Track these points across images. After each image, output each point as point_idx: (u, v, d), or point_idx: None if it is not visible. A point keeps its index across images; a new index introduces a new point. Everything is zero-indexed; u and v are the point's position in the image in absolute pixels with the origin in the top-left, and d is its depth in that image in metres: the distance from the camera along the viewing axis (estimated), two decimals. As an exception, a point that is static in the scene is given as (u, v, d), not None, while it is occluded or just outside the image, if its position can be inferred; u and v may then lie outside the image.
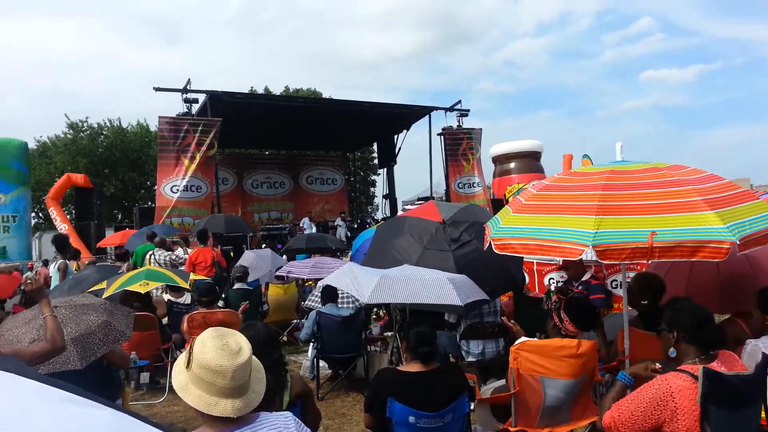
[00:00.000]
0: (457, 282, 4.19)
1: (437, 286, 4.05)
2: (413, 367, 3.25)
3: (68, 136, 31.01)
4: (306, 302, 8.06)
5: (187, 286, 6.85)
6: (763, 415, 2.73)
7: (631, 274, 4.98)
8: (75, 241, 15.14)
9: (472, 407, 3.40)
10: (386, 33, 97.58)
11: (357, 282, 4.24)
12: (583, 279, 5.53)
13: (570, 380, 3.35)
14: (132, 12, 69.95)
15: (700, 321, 2.70)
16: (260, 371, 2.00)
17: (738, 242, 2.82)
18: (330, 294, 6.28)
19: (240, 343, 1.90)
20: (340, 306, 6.43)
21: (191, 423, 5.39)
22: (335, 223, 20.39)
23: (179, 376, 1.88)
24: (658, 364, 2.78)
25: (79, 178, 17.92)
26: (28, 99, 57.93)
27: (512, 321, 4.53)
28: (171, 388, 6.04)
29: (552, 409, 3.40)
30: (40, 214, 31.97)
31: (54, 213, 16.88)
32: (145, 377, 6.43)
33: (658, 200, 3.14)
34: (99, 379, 3.89)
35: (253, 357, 1.96)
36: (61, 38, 65.45)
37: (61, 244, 9.39)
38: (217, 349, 1.83)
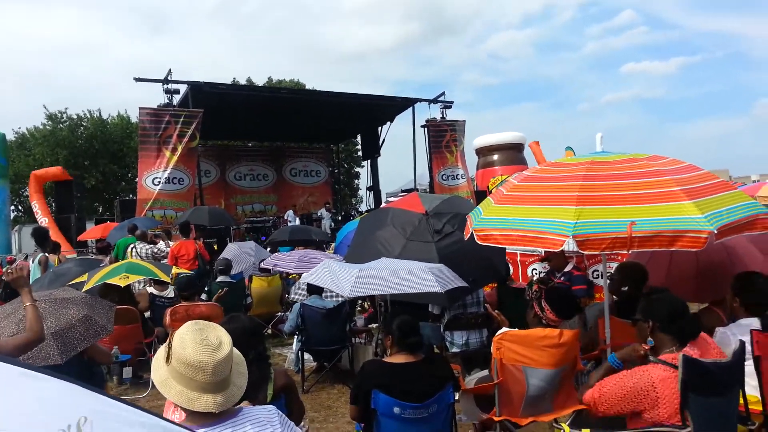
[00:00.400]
0: (436, 270, 4.21)
1: (417, 275, 4.07)
2: (399, 359, 3.25)
3: (47, 127, 30.52)
4: (291, 296, 8.04)
5: (168, 279, 6.80)
6: (741, 401, 2.79)
7: (612, 265, 5.04)
8: (55, 235, 14.92)
9: (456, 397, 3.42)
10: (371, 24, 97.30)
11: (336, 277, 4.23)
12: (566, 270, 5.58)
13: (552, 369, 3.38)
14: (114, 1, 68.86)
15: (674, 311, 2.75)
16: (242, 365, 1.99)
17: (715, 231, 2.86)
18: (315, 286, 6.27)
19: (220, 337, 1.88)
20: (324, 298, 6.43)
21: (175, 416, 5.38)
22: (320, 214, 20.35)
23: (159, 370, 1.86)
24: (645, 345, 2.82)
25: (47, 172, 17.62)
26: (6, 89, 56.84)
27: (496, 311, 4.57)
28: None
29: (535, 399, 3.43)
30: (20, 207, 31.50)
31: (36, 206, 16.61)
32: (127, 372, 6.38)
33: (637, 190, 3.18)
34: (80, 375, 3.85)
35: (235, 350, 1.95)
36: (41, 27, 64.24)
37: (41, 237, 9.24)
38: (196, 343, 1.81)
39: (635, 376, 2.61)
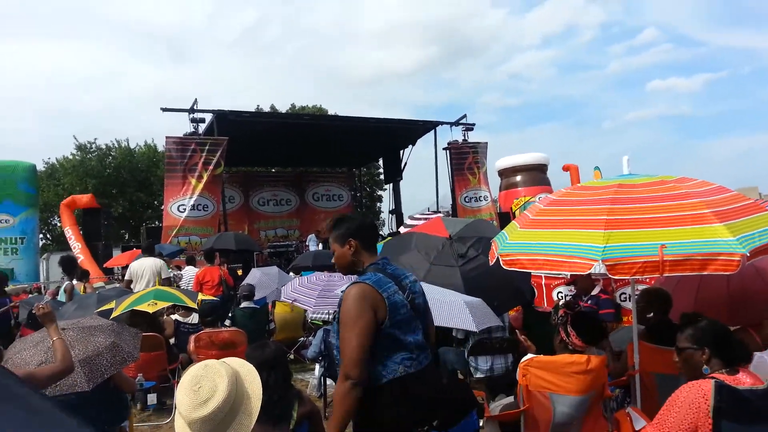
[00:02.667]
0: (473, 306, 4.16)
1: (454, 310, 4.01)
2: None
3: (76, 157, 31.26)
4: (309, 315, 8.00)
5: (194, 305, 6.85)
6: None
7: (640, 287, 4.94)
8: (87, 261, 15.20)
9: (481, 425, 3.35)
10: (390, 49, 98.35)
11: None
12: (593, 293, 5.49)
13: (580, 396, 3.31)
14: (138, 32, 70.88)
15: (725, 336, 2.70)
16: (247, 403, 1.93)
17: (748, 254, 2.80)
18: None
19: (216, 387, 1.83)
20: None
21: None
22: (307, 242, 20.36)
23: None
24: None
25: (82, 198, 17.99)
26: (36, 121, 58.56)
27: (523, 336, 4.50)
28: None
29: (562, 426, 3.35)
30: (48, 236, 32.15)
31: (70, 232, 16.91)
32: (152, 399, 6.40)
33: (667, 213, 3.13)
34: (106, 401, 3.88)
35: (247, 387, 1.94)
36: (68, 59, 66.32)
37: (67, 265, 9.41)
38: (187, 391, 1.82)
39: (684, 391, 2.52)
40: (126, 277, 8.72)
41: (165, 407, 6.31)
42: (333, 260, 2.82)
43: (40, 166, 28.95)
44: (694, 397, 2.46)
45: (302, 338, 8.62)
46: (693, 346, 2.74)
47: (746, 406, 2.46)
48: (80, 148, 31.48)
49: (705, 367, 2.69)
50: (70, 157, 31.51)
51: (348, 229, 2.72)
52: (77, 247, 16.18)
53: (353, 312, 2.43)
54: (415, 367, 2.54)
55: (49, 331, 3.23)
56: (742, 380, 2.54)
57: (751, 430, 2.48)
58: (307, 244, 19.45)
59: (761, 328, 3.76)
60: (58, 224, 26.79)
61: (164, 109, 15.40)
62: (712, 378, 2.54)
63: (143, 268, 8.73)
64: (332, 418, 1.92)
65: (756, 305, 3.96)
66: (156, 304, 6.11)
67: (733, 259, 2.79)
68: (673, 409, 2.50)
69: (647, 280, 5.45)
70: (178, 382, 6.28)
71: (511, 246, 3.57)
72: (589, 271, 3.03)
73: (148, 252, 9.29)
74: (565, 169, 21.57)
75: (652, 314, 4.23)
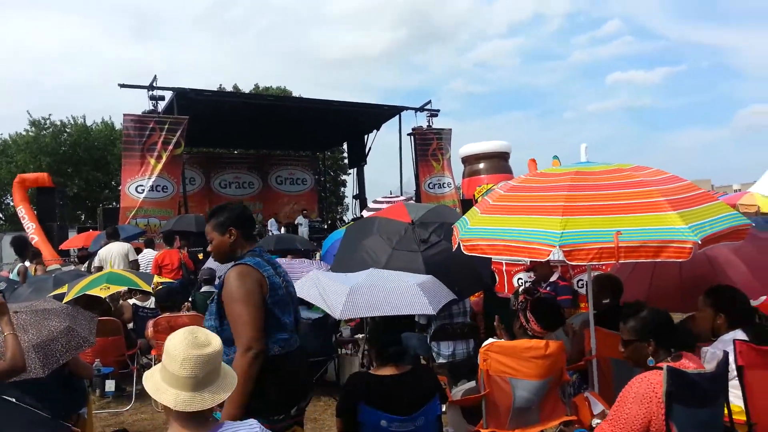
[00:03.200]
0: (426, 287, 4.17)
1: (408, 294, 4.02)
2: (386, 371, 3.22)
3: (30, 133, 30.15)
4: None
5: (150, 289, 6.72)
6: (725, 412, 2.80)
7: (597, 274, 5.06)
8: (41, 242, 14.70)
9: (443, 409, 3.40)
10: (359, 31, 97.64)
11: (326, 294, 4.17)
12: (551, 280, 5.60)
13: (538, 381, 3.38)
14: (99, 6, 68.43)
15: (668, 325, 2.78)
16: (229, 378, 1.94)
17: (699, 242, 2.89)
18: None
19: (210, 339, 1.88)
20: (311, 308, 6.38)
21: (159, 430, 5.29)
22: (297, 222, 20.28)
23: (151, 378, 1.86)
24: None
25: (31, 177, 17.35)
26: (-13, 96, 56.15)
27: (496, 323, 4.53)
28: (138, 395, 5.92)
29: (522, 410, 3.43)
30: (0, 215, 31.06)
31: (23, 211, 16.27)
32: (110, 385, 6.27)
33: (623, 200, 3.19)
34: (62, 387, 3.78)
35: (225, 366, 1.93)
36: (23, 31, 63.61)
37: (19, 246, 9.11)
38: (183, 338, 1.83)
39: (634, 385, 2.58)
40: (96, 264, 8.49)
41: (124, 394, 6.20)
42: (210, 248, 2.92)
43: (-9, 143, 27.88)
44: (645, 390, 2.53)
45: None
46: (637, 339, 2.79)
47: (695, 388, 2.55)
48: (34, 123, 30.40)
49: (650, 359, 2.76)
50: (24, 133, 30.38)
51: (228, 218, 2.83)
52: (31, 228, 15.63)
53: (243, 288, 2.58)
54: (288, 348, 2.74)
55: (1, 324, 3.00)
56: (687, 365, 2.63)
57: (700, 412, 2.58)
58: (268, 228, 19.30)
59: (704, 317, 3.89)
60: (11, 203, 25.88)
61: (122, 85, 15.00)
62: (658, 367, 2.62)
63: (111, 253, 8.60)
64: (237, 391, 1.94)
65: (706, 292, 4.09)
66: (109, 288, 5.96)
67: (685, 247, 2.88)
68: (626, 403, 2.56)
69: (603, 267, 5.59)
70: (137, 368, 6.19)
71: (472, 231, 3.60)
72: (547, 258, 3.08)
73: (113, 237, 9.14)
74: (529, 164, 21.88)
75: (608, 300, 4.34)
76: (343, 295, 3.97)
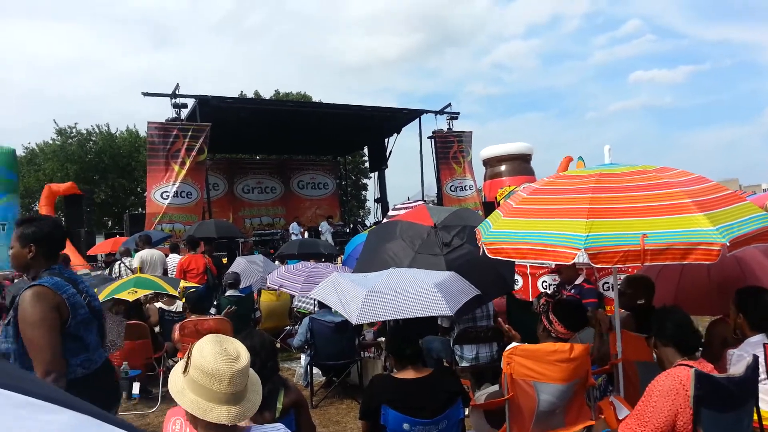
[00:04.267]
0: (445, 287, 4.14)
1: (426, 296, 3.99)
2: (407, 374, 3.23)
3: (57, 142, 30.79)
4: (295, 303, 8.00)
5: (176, 293, 6.81)
6: (755, 417, 2.75)
7: (622, 277, 5.00)
8: (68, 249, 14.98)
9: (466, 413, 3.39)
10: (376, 36, 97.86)
11: (344, 298, 4.15)
12: (576, 282, 5.54)
13: (563, 384, 3.35)
14: (122, 16, 69.71)
15: (677, 322, 2.81)
16: (257, 384, 1.98)
17: (728, 244, 2.84)
18: (323, 300, 6.24)
19: (238, 350, 1.90)
20: (333, 312, 6.41)
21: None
22: (320, 228, 20.35)
23: (176, 379, 1.88)
24: None
25: (60, 187, 17.69)
26: (16, 104, 57.52)
27: (507, 326, 4.53)
28: (164, 397, 5.99)
29: (546, 414, 3.39)
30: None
31: None
32: (137, 387, 6.38)
33: (648, 203, 3.15)
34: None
35: (251, 370, 1.95)
36: (50, 42, 65.06)
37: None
38: (215, 353, 1.83)
39: (660, 380, 2.57)
40: (136, 264, 8.67)
41: (150, 396, 6.29)
42: (9, 254, 2.86)
43: (20, 151, 28.50)
44: (672, 384, 2.51)
45: (288, 327, 8.62)
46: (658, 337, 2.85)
47: (723, 392, 2.51)
48: (60, 132, 31.01)
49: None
50: (50, 142, 31.02)
51: (33, 233, 2.76)
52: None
53: (36, 312, 2.52)
54: (92, 367, 2.73)
55: None
56: (702, 368, 2.61)
57: (728, 416, 2.54)
58: (291, 231, 19.41)
59: (731, 316, 3.82)
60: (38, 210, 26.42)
61: (146, 94, 15.24)
62: (685, 365, 2.59)
63: (153, 256, 8.95)
64: None
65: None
66: (136, 292, 6.06)
67: (713, 249, 2.83)
68: (651, 398, 2.54)
69: (629, 269, 5.52)
70: (163, 371, 6.27)
71: (495, 235, 3.59)
72: (573, 261, 3.05)
73: (149, 244, 9.47)
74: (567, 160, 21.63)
75: (642, 301, 4.28)
76: (360, 300, 3.97)
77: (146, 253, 9.01)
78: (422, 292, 4.03)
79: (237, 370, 1.83)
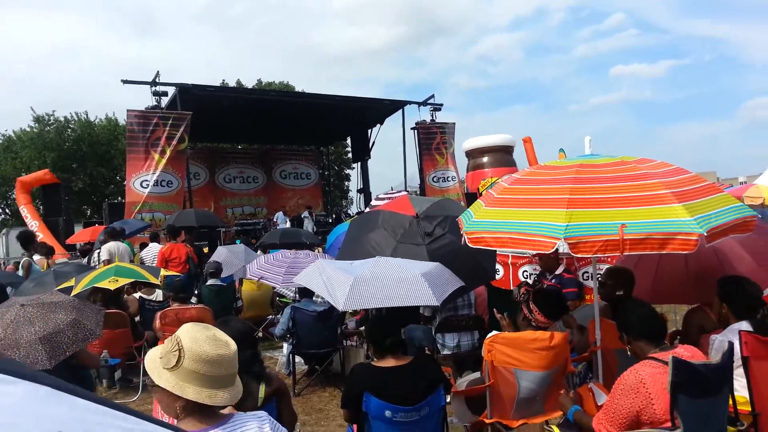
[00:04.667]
0: (431, 276, 4.16)
1: (412, 285, 4.00)
2: (388, 362, 3.24)
3: (34, 130, 30.21)
4: (277, 288, 7.95)
5: (157, 282, 6.76)
6: (730, 402, 2.81)
7: (602, 266, 5.06)
8: (46, 238, 14.76)
9: (447, 400, 3.42)
10: (362, 26, 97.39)
11: (330, 285, 4.15)
12: (556, 272, 5.60)
13: (543, 372, 3.40)
14: (99, 3, 68.42)
15: (641, 317, 2.88)
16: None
17: (705, 234, 2.88)
18: (306, 289, 6.24)
19: (224, 336, 1.93)
20: (315, 300, 6.41)
21: (165, 421, 5.33)
22: (302, 216, 20.28)
23: (164, 376, 1.85)
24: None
25: (30, 177, 17.35)
26: (-8, 92, 56.29)
27: (500, 315, 4.55)
28: (144, 386, 5.96)
29: (526, 401, 3.44)
30: (7, 210, 31.17)
31: (25, 211, 16.36)
32: (117, 375, 6.34)
33: (627, 193, 3.18)
34: (69, 379, 3.80)
35: None
36: (27, 29, 63.70)
37: (25, 240, 9.17)
38: (209, 340, 1.85)
39: (624, 378, 2.63)
40: (105, 257, 8.52)
41: (131, 385, 6.25)
42: None
43: (-4, 139, 27.99)
44: (632, 381, 2.58)
45: (270, 316, 8.61)
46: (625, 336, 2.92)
47: (700, 379, 2.56)
48: (38, 120, 30.44)
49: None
50: (28, 129, 30.43)
51: None
52: (35, 225, 15.69)
53: None
54: None
55: None
56: (681, 354, 2.66)
57: (704, 402, 2.59)
58: (275, 221, 19.32)
59: (714, 307, 3.90)
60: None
61: (125, 81, 15.00)
62: (653, 358, 2.65)
63: (119, 248, 8.77)
64: None
65: (712, 284, 4.09)
66: (117, 280, 6.00)
67: (691, 239, 2.87)
68: (615, 394, 2.63)
69: (608, 259, 5.58)
70: (143, 360, 6.23)
71: (477, 224, 3.61)
72: (552, 250, 3.08)
73: (113, 237, 9.20)
74: (524, 142, 21.84)
75: (621, 292, 4.33)
76: (347, 287, 3.96)
77: (113, 246, 8.84)
78: (409, 281, 4.04)
79: (233, 352, 1.89)
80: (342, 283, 4.04)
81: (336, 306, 4.01)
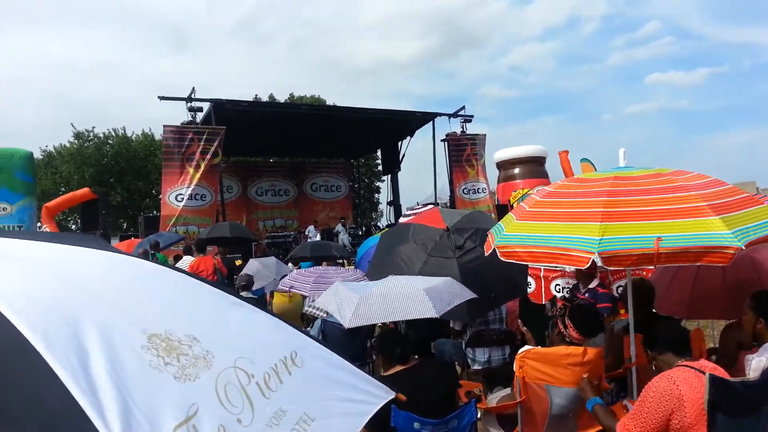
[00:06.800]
0: (435, 291, 4.15)
1: (413, 300, 4.04)
2: (395, 369, 3.36)
3: (74, 145, 31.16)
4: (305, 309, 8.02)
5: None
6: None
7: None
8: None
9: (478, 416, 3.38)
10: (390, 39, 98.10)
11: (341, 304, 4.24)
12: (591, 286, 5.49)
13: (576, 388, 3.33)
14: (138, 20, 70.48)
15: (666, 329, 2.88)
16: None
17: (744, 248, 2.81)
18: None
19: None
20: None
21: None
22: (336, 230, 20.37)
23: None
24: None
25: (55, 204, 17.70)
26: (34, 107, 58.33)
27: (524, 328, 4.50)
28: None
29: (558, 418, 3.37)
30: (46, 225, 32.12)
31: (47, 230, 16.79)
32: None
33: (663, 206, 3.13)
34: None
35: None
36: (67, 46, 65.93)
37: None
38: None
39: (655, 382, 2.56)
40: None
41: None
42: None
43: (38, 154, 28.90)
44: (665, 386, 2.52)
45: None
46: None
47: (738, 397, 2.48)
48: (78, 136, 31.39)
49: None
50: (68, 145, 31.40)
51: None
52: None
53: None
54: None
55: None
56: (706, 367, 2.59)
57: (743, 422, 2.51)
58: (307, 234, 19.47)
59: (746, 322, 3.77)
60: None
61: (162, 98, 15.36)
62: (685, 366, 2.59)
63: None
64: None
65: (750, 298, 3.98)
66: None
67: (728, 252, 2.81)
68: (646, 399, 2.57)
69: (643, 272, 5.46)
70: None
71: (509, 238, 3.58)
72: (587, 266, 3.03)
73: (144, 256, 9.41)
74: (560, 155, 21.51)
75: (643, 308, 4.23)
76: (353, 305, 4.03)
77: None
78: (410, 296, 4.07)
79: None
80: (350, 302, 4.11)
81: (342, 323, 4.07)
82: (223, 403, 1.25)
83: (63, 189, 28.33)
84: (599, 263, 2.96)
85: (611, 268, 3.32)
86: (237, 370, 1.31)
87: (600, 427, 3.39)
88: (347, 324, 3.97)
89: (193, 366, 1.25)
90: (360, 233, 20.92)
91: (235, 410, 1.26)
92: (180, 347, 1.26)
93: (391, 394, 1.86)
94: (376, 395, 1.76)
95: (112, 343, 1.17)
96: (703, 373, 2.49)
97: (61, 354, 1.08)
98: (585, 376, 3.17)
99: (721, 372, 2.67)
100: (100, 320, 1.21)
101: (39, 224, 16.46)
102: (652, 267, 3.20)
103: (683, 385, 2.48)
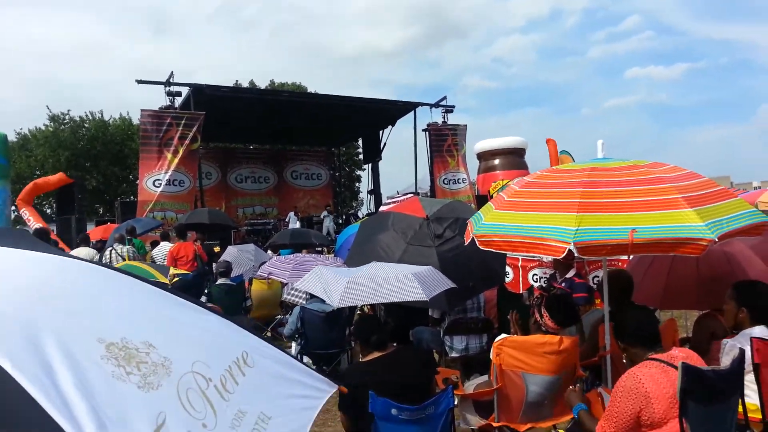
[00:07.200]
0: (421, 276, 4.19)
1: (402, 282, 4.08)
2: (373, 356, 3.37)
3: (49, 129, 30.55)
4: (284, 296, 8.01)
5: (166, 280, 6.79)
6: (740, 409, 2.78)
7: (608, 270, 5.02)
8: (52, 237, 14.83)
9: (455, 402, 3.41)
10: (374, 28, 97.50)
11: (327, 285, 4.26)
12: (567, 276, 5.56)
13: (551, 376, 3.38)
14: (114, 4, 69.06)
15: (635, 322, 2.86)
16: None
17: (716, 240, 2.86)
18: (316, 290, 6.25)
19: None
20: (324, 302, 6.41)
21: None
22: (321, 216, 20.32)
23: None
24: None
25: (44, 183, 17.41)
26: (9, 90, 56.98)
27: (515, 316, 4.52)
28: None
29: (534, 405, 3.43)
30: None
31: (27, 214, 16.44)
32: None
33: (639, 197, 3.17)
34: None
35: None
36: (44, 28, 64.43)
37: (41, 238, 9.26)
38: None
39: (622, 380, 2.62)
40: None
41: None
42: None
43: (12, 137, 28.30)
44: (631, 384, 2.57)
45: (279, 316, 8.63)
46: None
47: (709, 385, 2.54)
48: (53, 119, 30.78)
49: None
50: (43, 128, 30.77)
51: None
52: (38, 227, 15.74)
53: None
54: None
55: None
56: (676, 357, 2.64)
57: (713, 409, 2.57)
58: (287, 221, 19.38)
59: (727, 311, 3.86)
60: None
61: (139, 81, 15.12)
62: (653, 359, 2.64)
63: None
64: None
65: (723, 290, 4.06)
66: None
67: (701, 244, 2.86)
68: (615, 398, 2.61)
69: (619, 263, 5.55)
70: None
71: (487, 227, 3.60)
72: (563, 255, 3.07)
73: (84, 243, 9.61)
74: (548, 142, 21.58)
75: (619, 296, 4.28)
76: (342, 286, 4.05)
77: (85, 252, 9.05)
78: (399, 278, 4.11)
79: None
80: (338, 283, 4.13)
81: (332, 303, 4.09)
82: (188, 410, 1.29)
83: (38, 172, 27.78)
84: (575, 253, 3.00)
85: (586, 258, 3.36)
86: (195, 374, 1.36)
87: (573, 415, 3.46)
88: (337, 303, 3.99)
89: (153, 374, 1.28)
90: (340, 221, 20.89)
91: (199, 415, 1.31)
92: (138, 355, 1.28)
93: (333, 387, 2.01)
94: (321, 389, 1.92)
95: (73, 356, 1.18)
96: (673, 366, 2.54)
97: (30, 373, 1.08)
98: (572, 388, 3.21)
99: (694, 358, 2.72)
100: (57, 331, 1.22)
101: (13, 208, 16.09)
102: (627, 258, 3.25)
103: (648, 382, 2.53)
